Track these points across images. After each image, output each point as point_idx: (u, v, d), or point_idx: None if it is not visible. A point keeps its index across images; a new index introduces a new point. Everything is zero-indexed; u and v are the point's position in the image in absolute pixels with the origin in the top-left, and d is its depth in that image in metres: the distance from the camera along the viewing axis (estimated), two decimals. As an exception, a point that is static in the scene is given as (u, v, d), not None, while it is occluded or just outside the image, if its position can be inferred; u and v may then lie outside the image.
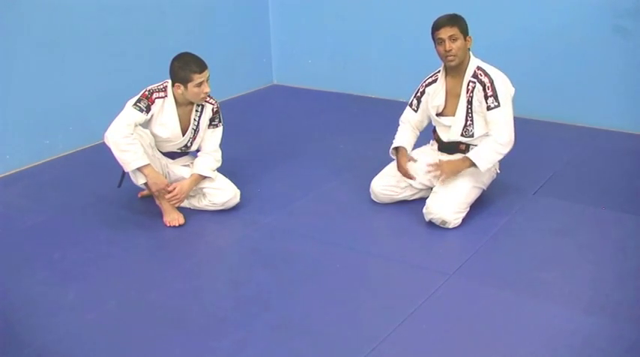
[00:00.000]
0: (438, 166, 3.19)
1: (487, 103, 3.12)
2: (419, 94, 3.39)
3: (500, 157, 3.18)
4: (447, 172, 3.17)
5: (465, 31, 3.12)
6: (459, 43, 3.09)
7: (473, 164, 3.14)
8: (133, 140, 3.07)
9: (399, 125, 3.49)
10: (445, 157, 3.35)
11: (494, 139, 3.14)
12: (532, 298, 2.63)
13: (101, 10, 4.39)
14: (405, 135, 3.44)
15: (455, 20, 3.10)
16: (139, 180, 3.17)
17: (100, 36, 4.42)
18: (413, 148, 3.51)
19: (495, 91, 3.11)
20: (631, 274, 2.78)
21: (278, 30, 5.79)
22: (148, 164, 3.13)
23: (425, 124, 3.48)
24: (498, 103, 3.11)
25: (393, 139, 3.45)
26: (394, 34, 5.17)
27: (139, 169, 3.12)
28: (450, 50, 3.09)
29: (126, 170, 3.17)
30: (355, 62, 5.47)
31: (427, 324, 2.49)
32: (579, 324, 2.47)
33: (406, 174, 3.33)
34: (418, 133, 3.50)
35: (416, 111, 3.42)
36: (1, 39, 3.90)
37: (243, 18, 5.55)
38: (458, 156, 3.30)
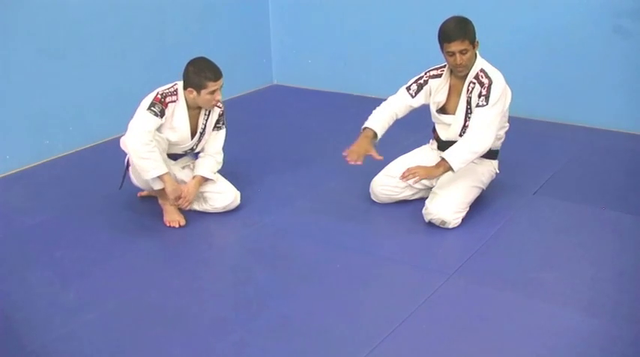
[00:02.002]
0: (411, 171, 3.11)
1: (478, 101, 3.12)
2: (422, 81, 3.32)
3: (475, 156, 3.11)
4: (422, 175, 3.11)
5: (474, 39, 3.08)
6: (470, 54, 3.07)
7: (448, 169, 3.08)
8: (153, 148, 3.04)
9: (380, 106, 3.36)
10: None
11: (469, 138, 3.09)
12: (532, 298, 2.63)
13: (101, 10, 4.38)
14: (381, 118, 3.32)
15: (465, 31, 3.04)
16: (155, 186, 3.16)
17: (100, 36, 4.41)
18: (411, 149, 3.51)
19: (489, 92, 3.08)
20: (631, 274, 2.79)
21: (278, 30, 5.79)
22: (167, 172, 3.13)
23: (409, 111, 3.38)
24: (487, 103, 3.08)
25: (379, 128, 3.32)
26: (394, 34, 5.16)
27: (158, 177, 3.11)
28: (461, 64, 3.08)
29: (144, 178, 3.12)
30: (355, 62, 5.47)
31: (427, 324, 2.49)
32: (579, 324, 2.47)
33: (353, 156, 3.19)
34: (395, 120, 3.39)
35: (413, 96, 3.33)
36: (0, 39, 3.90)
37: (243, 18, 5.55)
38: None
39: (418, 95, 3.34)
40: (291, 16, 5.68)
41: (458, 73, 3.17)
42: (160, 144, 3.14)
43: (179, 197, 3.20)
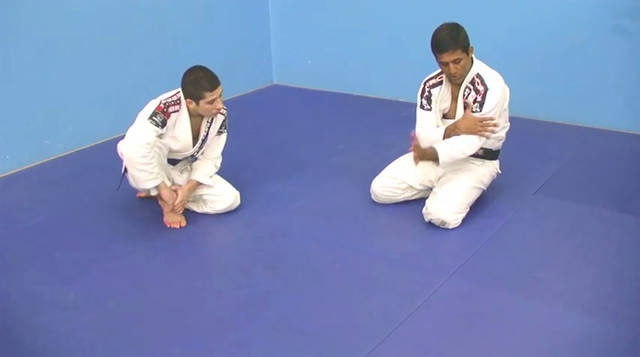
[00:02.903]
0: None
1: (473, 107, 3.12)
2: (427, 94, 3.28)
3: (462, 157, 3.17)
4: (417, 153, 3.33)
5: (467, 46, 3.05)
6: (463, 62, 3.05)
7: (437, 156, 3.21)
8: (149, 160, 3.02)
9: (415, 131, 3.35)
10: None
11: (460, 140, 3.13)
12: (532, 298, 2.63)
13: (101, 10, 4.39)
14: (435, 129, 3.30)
15: (456, 41, 3.01)
16: (152, 191, 3.17)
17: (100, 36, 4.41)
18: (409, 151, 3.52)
19: (484, 100, 3.08)
20: (631, 274, 2.79)
21: (278, 30, 5.79)
22: (162, 181, 3.13)
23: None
24: (480, 110, 3.09)
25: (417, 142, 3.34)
26: (394, 34, 5.16)
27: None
28: (455, 73, 3.07)
29: (139, 186, 3.12)
30: (355, 62, 5.47)
31: (427, 324, 2.49)
32: (579, 324, 2.47)
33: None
34: None
35: (431, 109, 3.27)
36: (0, 39, 3.90)
37: (243, 18, 5.55)
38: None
39: (432, 106, 3.28)
40: (291, 16, 5.68)
41: (454, 81, 3.16)
42: (161, 150, 3.13)
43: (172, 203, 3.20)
